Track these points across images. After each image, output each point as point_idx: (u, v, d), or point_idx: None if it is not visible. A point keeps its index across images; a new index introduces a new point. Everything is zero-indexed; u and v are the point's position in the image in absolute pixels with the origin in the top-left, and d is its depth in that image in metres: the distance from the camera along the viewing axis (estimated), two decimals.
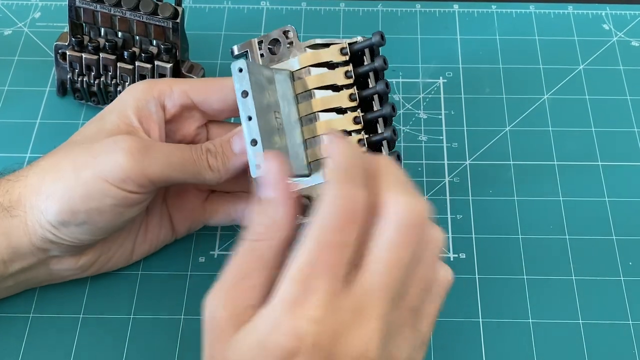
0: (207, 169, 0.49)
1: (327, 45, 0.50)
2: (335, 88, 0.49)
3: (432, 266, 0.41)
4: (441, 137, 0.63)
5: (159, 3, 0.58)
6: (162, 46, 0.59)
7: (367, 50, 0.49)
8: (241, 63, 0.45)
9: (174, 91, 0.51)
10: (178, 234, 0.56)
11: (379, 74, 0.49)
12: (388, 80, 0.49)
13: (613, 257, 0.56)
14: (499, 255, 0.56)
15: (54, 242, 0.49)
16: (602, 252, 0.56)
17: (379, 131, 0.49)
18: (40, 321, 0.53)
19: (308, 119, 0.49)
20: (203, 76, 0.61)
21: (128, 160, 0.47)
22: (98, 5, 0.58)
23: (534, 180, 0.60)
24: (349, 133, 0.49)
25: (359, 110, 0.49)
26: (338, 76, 0.49)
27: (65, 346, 0.52)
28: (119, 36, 0.60)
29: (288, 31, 0.50)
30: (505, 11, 0.71)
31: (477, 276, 0.55)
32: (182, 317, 0.53)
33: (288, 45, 0.50)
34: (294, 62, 0.50)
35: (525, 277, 0.55)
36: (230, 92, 0.51)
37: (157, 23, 0.58)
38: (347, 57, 0.49)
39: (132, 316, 0.53)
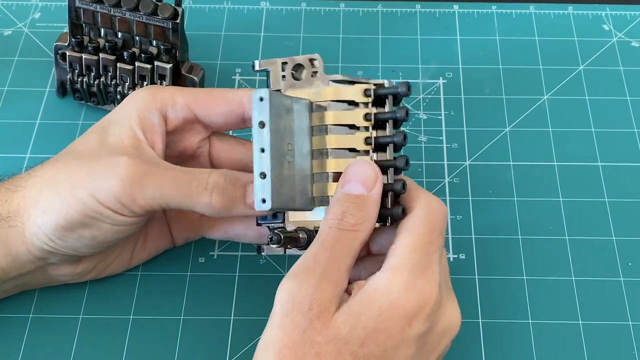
0: (206, 205, 0.47)
1: (352, 82, 0.48)
2: (352, 126, 0.48)
3: None
4: (441, 138, 0.63)
5: (159, 3, 0.58)
6: (162, 47, 0.59)
7: (390, 96, 0.48)
8: (263, 92, 0.44)
9: (177, 103, 0.50)
10: (177, 243, 0.56)
11: (398, 123, 0.48)
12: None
13: (613, 257, 0.56)
14: (499, 256, 0.56)
15: (52, 252, 0.49)
16: (602, 253, 0.56)
17: (388, 157, 0.49)
18: (40, 321, 0.53)
19: (319, 154, 0.48)
20: (203, 77, 0.61)
21: (120, 188, 0.46)
22: (98, 6, 0.58)
23: (534, 180, 0.60)
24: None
25: (371, 152, 0.48)
26: (357, 117, 0.48)
27: (65, 346, 0.52)
28: (119, 37, 0.60)
29: (315, 59, 0.49)
30: (505, 11, 0.71)
31: (477, 276, 0.55)
32: (182, 317, 0.53)
33: (312, 74, 0.49)
34: (315, 93, 0.48)
35: (525, 277, 0.55)
36: (234, 106, 0.50)
37: (157, 23, 0.58)
38: (370, 100, 0.48)
39: (132, 316, 0.53)
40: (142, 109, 0.50)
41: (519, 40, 0.69)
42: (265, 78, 0.50)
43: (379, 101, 0.48)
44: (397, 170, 0.48)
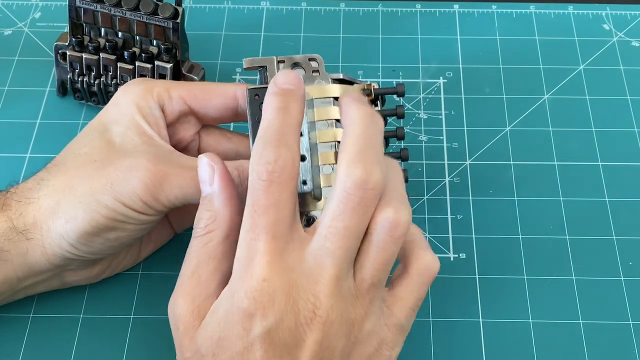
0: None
1: (351, 82, 0.49)
2: None
3: (391, 246, 0.41)
4: (441, 137, 0.63)
5: (159, 3, 0.58)
6: (162, 46, 0.59)
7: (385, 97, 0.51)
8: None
9: (172, 97, 0.50)
10: (176, 230, 0.56)
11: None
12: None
13: (613, 257, 0.56)
14: (499, 255, 0.56)
15: (74, 260, 0.49)
16: (602, 252, 0.56)
17: None
18: (40, 321, 0.53)
19: (323, 147, 0.47)
20: (203, 76, 0.61)
21: (144, 192, 0.47)
22: (98, 6, 0.58)
23: (534, 180, 0.60)
24: None
25: None
26: None
27: (65, 346, 0.52)
28: (119, 36, 0.60)
29: (314, 59, 0.49)
30: (505, 11, 0.71)
31: (477, 276, 0.55)
32: None
33: (313, 72, 0.49)
34: (318, 89, 0.48)
35: (525, 277, 0.55)
36: (228, 100, 0.50)
37: (157, 23, 0.58)
38: (370, 99, 0.49)
39: (132, 316, 0.53)
40: (143, 104, 0.49)
41: (519, 39, 0.69)
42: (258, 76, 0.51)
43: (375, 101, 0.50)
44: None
